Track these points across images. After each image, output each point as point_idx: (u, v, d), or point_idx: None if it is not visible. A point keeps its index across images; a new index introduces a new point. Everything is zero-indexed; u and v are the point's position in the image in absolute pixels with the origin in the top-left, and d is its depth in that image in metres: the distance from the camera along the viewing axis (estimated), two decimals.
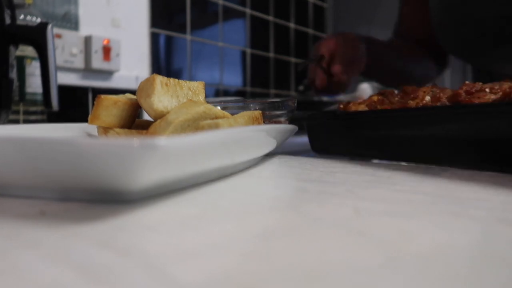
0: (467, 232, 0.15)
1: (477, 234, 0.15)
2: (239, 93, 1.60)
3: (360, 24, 2.02)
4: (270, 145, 0.34)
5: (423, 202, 0.20)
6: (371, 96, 0.44)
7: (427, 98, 0.38)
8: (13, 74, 0.62)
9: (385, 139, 0.37)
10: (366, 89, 1.70)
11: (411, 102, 0.39)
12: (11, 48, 0.61)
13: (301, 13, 1.94)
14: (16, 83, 0.67)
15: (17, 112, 0.75)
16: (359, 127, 0.40)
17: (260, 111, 0.36)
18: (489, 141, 0.28)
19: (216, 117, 0.30)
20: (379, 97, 0.42)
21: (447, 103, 0.36)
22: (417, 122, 0.34)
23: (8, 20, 0.59)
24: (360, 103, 0.43)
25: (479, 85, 0.36)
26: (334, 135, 0.43)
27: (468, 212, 0.18)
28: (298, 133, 0.45)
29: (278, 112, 0.44)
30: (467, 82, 0.37)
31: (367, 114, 0.39)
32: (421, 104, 0.38)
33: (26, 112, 0.76)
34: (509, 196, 0.21)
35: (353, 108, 0.43)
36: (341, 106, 0.45)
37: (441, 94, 0.37)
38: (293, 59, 1.88)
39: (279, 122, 0.44)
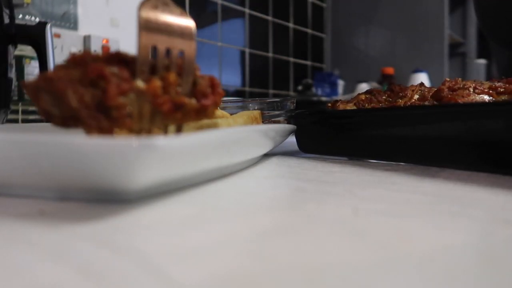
0: (466, 232, 0.15)
1: (476, 234, 0.15)
2: (238, 93, 1.60)
3: (359, 24, 2.02)
4: (269, 145, 0.34)
5: (422, 202, 0.20)
6: (358, 95, 0.44)
7: (416, 96, 0.39)
8: (12, 74, 0.62)
9: (373, 138, 0.37)
10: (364, 88, 1.70)
11: (400, 101, 0.39)
12: (10, 47, 0.61)
13: (300, 13, 1.94)
14: (15, 83, 0.67)
15: (16, 112, 0.75)
16: (346, 126, 0.40)
17: (259, 111, 0.36)
18: (485, 142, 0.28)
19: (215, 117, 0.30)
20: (367, 96, 0.42)
21: (432, 101, 0.36)
22: (408, 121, 0.34)
23: (6, 20, 0.59)
24: (348, 102, 0.43)
25: (460, 82, 0.36)
26: (321, 135, 0.43)
27: (467, 212, 0.18)
28: None
29: (277, 112, 0.44)
30: (447, 78, 0.38)
31: (355, 113, 0.39)
32: (409, 103, 0.38)
33: (25, 112, 0.76)
34: (507, 196, 0.21)
35: (341, 107, 0.42)
36: (329, 105, 0.44)
37: (427, 93, 0.38)
38: (292, 59, 1.88)
39: (278, 122, 0.44)
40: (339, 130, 0.40)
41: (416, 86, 0.40)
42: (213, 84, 0.23)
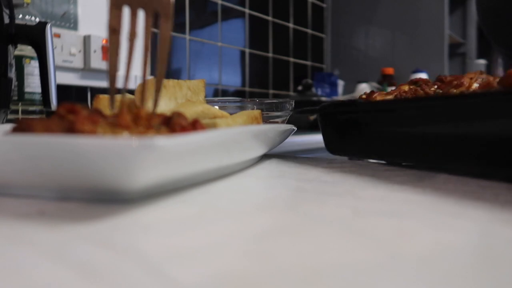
0: (466, 232, 0.15)
1: (476, 234, 0.15)
2: (238, 93, 1.60)
3: (359, 24, 2.02)
4: (269, 145, 0.34)
5: (422, 202, 0.20)
6: (400, 86, 0.38)
7: (475, 85, 0.33)
8: (12, 74, 0.62)
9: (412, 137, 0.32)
10: (364, 89, 1.70)
11: (454, 90, 0.33)
12: (10, 47, 0.61)
13: (300, 13, 1.94)
14: (14, 83, 0.67)
15: (16, 112, 0.75)
16: (384, 122, 0.34)
17: (260, 111, 0.36)
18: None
19: (215, 117, 0.30)
20: (411, 87, 0.37)
21: (498, 88, 0.29)
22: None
23: (6, 20, 0.59)
24: (387, 94, 0.37)
25: None
26: (351, 131, 0.37)
27: (467, 212, 0.18)
28: (297, 133, 0.45)
29: (276, 113, 0.44)
30: None
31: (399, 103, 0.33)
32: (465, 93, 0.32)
33: (25, 112, 0.76)
34: (507, 196, 0.21)
35: (378, 98, 0.36)
36: (364, 96, 0.38)
37: (492, 79, 0.33)
38: (292, 59, 1.88)
39: (277, 123, 0.44)
40: (374, 126, 0.35)
41: (476, 72, 0.35)
42: (195, 125, 0.23)
